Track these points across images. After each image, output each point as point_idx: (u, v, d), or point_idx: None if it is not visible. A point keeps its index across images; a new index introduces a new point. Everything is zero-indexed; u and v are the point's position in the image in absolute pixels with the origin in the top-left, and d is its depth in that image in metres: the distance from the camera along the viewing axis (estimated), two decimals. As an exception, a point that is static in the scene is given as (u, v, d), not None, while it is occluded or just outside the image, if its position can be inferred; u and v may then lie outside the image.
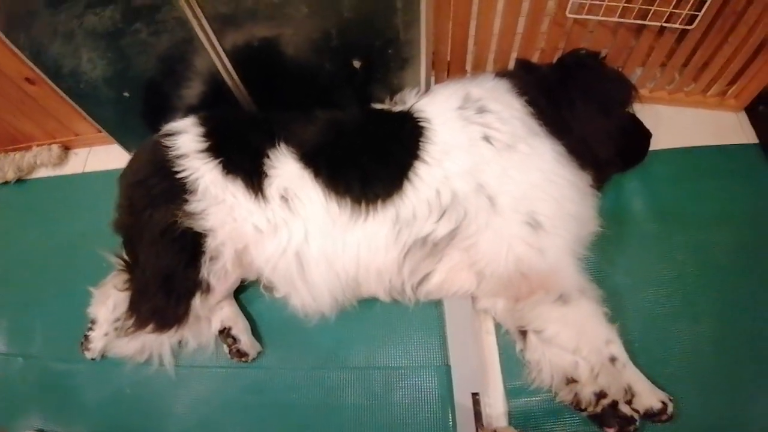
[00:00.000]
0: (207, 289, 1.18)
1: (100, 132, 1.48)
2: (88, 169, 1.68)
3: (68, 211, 1.59)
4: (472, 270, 1.16)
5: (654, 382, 1.09)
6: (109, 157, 1.59)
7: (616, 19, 1.23)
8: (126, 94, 1.29)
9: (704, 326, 1.19)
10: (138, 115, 1.36)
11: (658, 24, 1.23)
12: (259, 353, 1.26)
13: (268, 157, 1.14)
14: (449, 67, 1.47)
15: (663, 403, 1.05)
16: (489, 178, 1.11)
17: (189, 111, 1.28)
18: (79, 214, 1.57)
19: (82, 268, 1.36)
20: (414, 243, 1.13)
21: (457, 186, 1.11)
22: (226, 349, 1.24)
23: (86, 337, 1.29)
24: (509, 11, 1.27)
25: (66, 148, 1.70)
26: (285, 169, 1.14)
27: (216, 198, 1.14)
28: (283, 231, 1.14)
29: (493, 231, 1.11)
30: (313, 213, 1.13)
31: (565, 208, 1.12)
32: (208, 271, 1.16)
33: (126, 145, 1.49)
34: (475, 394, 1.16)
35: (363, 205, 1.12)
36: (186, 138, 1.18)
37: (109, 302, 1.28)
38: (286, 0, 1.01)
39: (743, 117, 1.50)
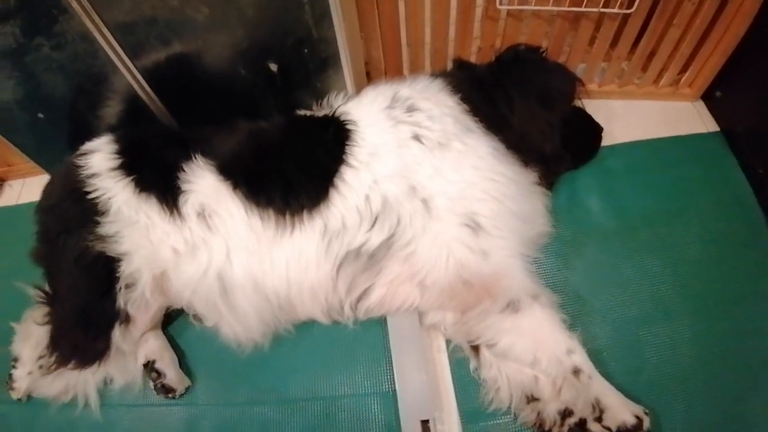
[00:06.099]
0: (127, 320, 1.08)
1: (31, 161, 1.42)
2: (23, 200, 1.60)
3: (1, 245, 1.50)
4: (414, 281, 1.07)
5: (628, 393, 0.98)
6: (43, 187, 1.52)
7: (550, 8, 1.18)
8: (40, 115, 1.22)
9: (679, 326, 1.09)
10: (59, 137, 1.29)
11: (596, 10, 1.18)
12: (187, 388, 1.15)
13: (183, 170, 1.06)
14: (386, 72, 1.41)
15: (637, 417, 0.94)
16: (422, 179, 1.03)
17: (110, 130, 1.21)
18: (13, 248, 1.46)
19: (14, 302, 1.26)
20: (347, 255, 1.04)
21: (388, 190, 1.03)
22: (151, 384, 1.13)
23: (10, 376, 1.18)
24: (438, 8, 1.22)
25: (0, 180, 1.63)
26: (201, 183, 1.06)
27: (129, 219, 1.06)
28: (202, 251, 1.04)
29: (431, 236, 1.02)
30: (234, 229, 1.04)
31: (507, 207, 1.04)
32: (125, 299, 1.06)
33: (52, 172, 1.41)
34: (425, 422, 1.04)
35: (288, 217, 1.04)
36: (98, 157, 1.11)
37: (32, 338, 1.18)
38: (185, 1, 0.96)
39: (701, 105, 1.43)
